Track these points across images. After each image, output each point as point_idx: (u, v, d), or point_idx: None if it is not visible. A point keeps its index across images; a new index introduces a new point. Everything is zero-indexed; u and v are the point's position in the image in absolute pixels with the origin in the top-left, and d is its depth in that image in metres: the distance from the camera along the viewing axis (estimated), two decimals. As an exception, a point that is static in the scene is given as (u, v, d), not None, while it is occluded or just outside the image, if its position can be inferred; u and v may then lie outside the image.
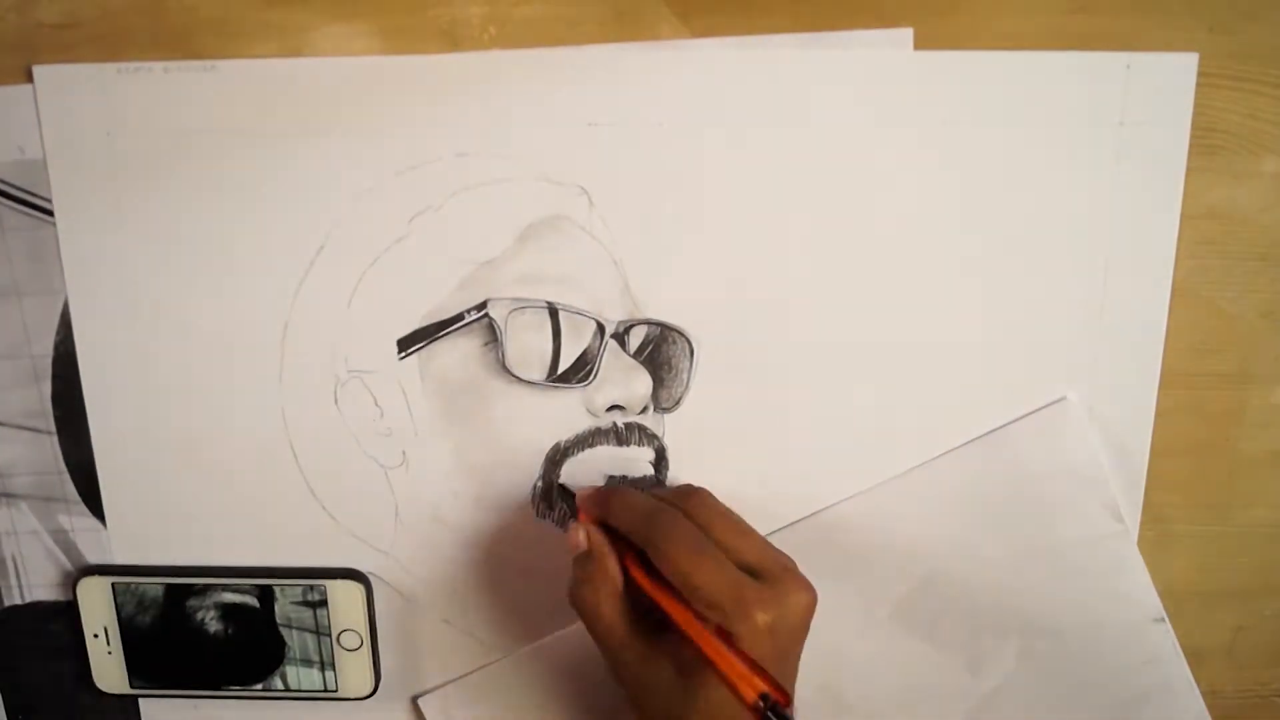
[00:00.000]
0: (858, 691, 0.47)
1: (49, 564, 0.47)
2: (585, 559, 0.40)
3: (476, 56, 0.40)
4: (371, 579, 0.46)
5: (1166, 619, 0.47)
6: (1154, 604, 0.46)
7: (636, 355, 0.44)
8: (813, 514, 0.46)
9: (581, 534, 0.41)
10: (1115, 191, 0.42)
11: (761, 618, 0.35)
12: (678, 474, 0.45)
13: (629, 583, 0.39)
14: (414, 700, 0.49)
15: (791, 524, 0.46)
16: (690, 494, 0.41)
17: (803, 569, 0.39)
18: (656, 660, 0.37)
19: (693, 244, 0.43)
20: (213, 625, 0.47)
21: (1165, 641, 0.47)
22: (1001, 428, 0.45)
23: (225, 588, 0.47)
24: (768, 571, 0.38)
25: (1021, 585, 0.46)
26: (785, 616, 0.36)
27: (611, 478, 0.45)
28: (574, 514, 0.43)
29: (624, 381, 0.44)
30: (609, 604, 0.39)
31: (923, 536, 0.46)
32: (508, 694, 0.48)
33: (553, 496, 0.45)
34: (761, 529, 0.45)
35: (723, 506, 0.41)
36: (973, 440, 0.45)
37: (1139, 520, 0.46)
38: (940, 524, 0.46)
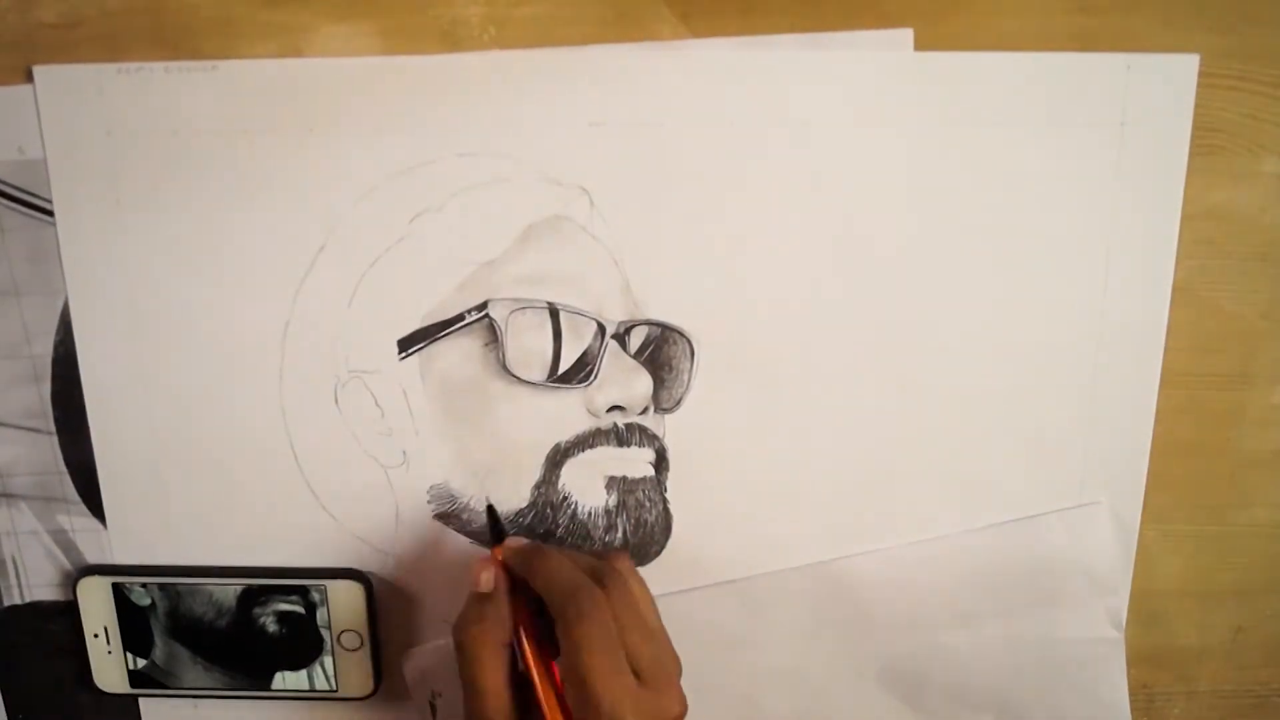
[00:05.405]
0: None
1: (49, 564, 0.47)
2: (483, 600, 0.39)
3: (476, 56, 0.40)
4: (371, 579, 0.46)
5: None
6: (1125, 715, 0.48)
7: (637, 356, 0.44)
8: (827, 561, 0.46)
9: (487, 575, 0.40)
10: (1115, 191, 0.42)
11: None
12: (678, 474, 0.45)
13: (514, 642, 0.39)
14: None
15: (804, 566, 0.46)
16: (614, 575, 0.39)
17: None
18: None
19: (693, 244, 0.43)
20: (213, 625, 0.47)
21: None
22: (1029, 518, 0.46)
23: (225, 588, 0.47)
24: (653, 678, 0.37)
25: (1009, 670, 0.47)
26: None
27: (612, 479, 0.45)
28: (497, 535, 0.42)
29: (624, 382, 0.44)
30: (492, 656, 0.38)
31: (929, 606, 0.47)
32: None
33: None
34: (763, 532, 0.46)
35: (639, 596, 0.40)
36: (998, 524, 0.46)
37: (1141, 513, 0.46)
38: (949, 597, 0.46)
